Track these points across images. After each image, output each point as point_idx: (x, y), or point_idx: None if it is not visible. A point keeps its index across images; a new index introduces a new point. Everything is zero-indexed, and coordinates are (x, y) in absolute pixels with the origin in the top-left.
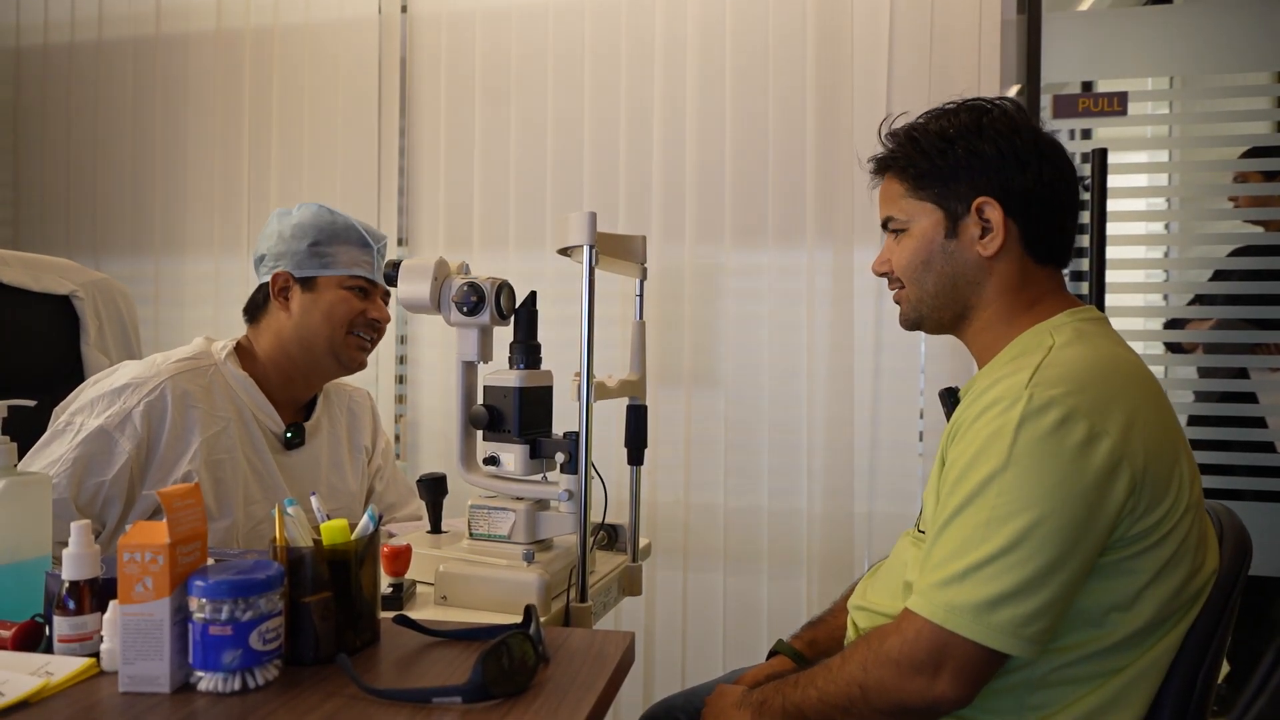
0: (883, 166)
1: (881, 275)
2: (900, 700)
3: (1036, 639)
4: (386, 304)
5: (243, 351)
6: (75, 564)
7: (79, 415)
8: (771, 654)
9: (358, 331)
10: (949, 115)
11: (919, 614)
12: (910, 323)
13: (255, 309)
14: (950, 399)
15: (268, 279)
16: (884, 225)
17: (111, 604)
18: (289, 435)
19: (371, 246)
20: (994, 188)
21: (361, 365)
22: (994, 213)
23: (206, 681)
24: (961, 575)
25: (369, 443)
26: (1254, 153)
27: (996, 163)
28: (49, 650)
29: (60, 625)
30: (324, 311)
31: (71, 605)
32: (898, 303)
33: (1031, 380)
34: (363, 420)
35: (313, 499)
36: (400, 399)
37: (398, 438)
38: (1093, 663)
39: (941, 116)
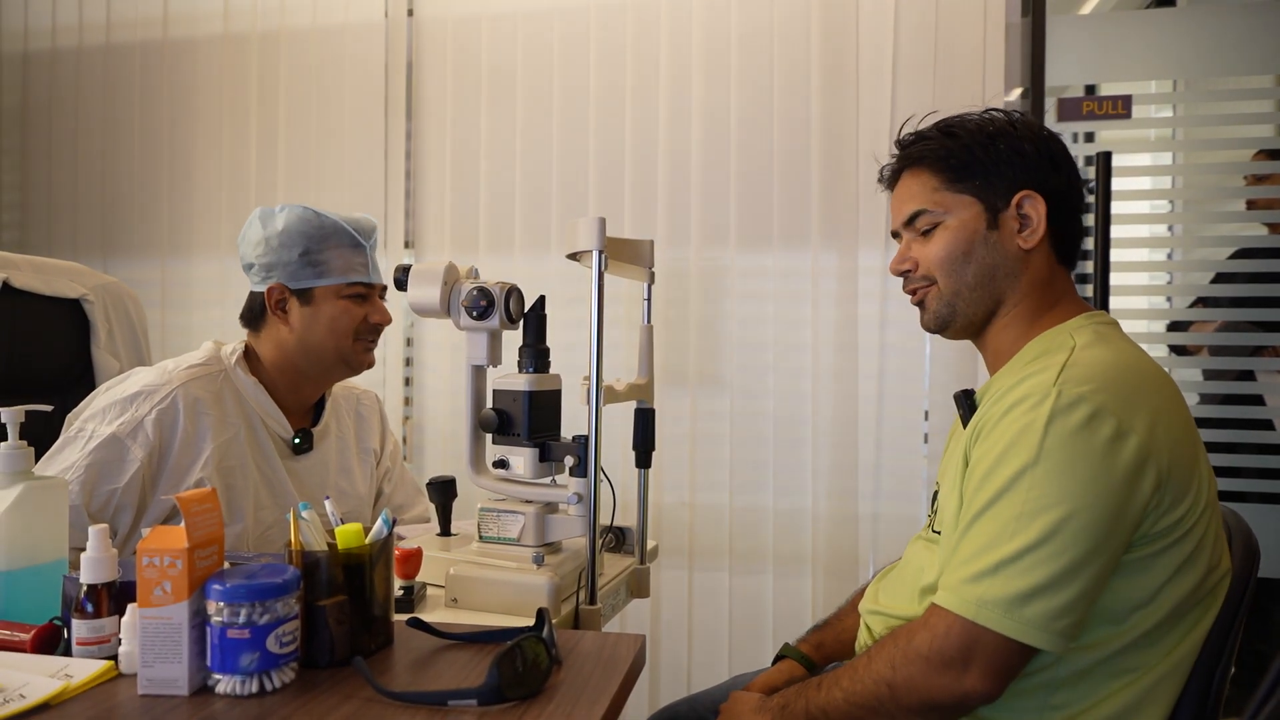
0: (915, 159)
1: (901, 274)
2: (929, 696)
3: (1067, 633)
4: (384, 298)
5: (251, 356)
6: (93, 568)
7: (91, 422)
8: (778, 658)
9: (363, 337)
10: (982, 116)
11: (949, 609)
12: (940, 320)
13: (254, 318)
14: (966, 401)
15: (261, 289)
16: (908, 221)
17: (130, 607)
18: (297, 441)
19: (364, 246)
20: (1035, 183)
21: (370, 365)
22: (1036, 207)
23: (224, 684)
24: (993, 569)
25: (377, 446)
26: (1267, 154)
27: (1035, 161)
28: (67, 653)
29: (79, 628)
30: (326, 325)
31: (90, 608)
32: (919, 304)
33: (1059, 378)
34: (371, 423)
35: (326, 503)
36: (407, 401)
37: (405, 439)
38: (1112, 662)
39: (975, 117)
